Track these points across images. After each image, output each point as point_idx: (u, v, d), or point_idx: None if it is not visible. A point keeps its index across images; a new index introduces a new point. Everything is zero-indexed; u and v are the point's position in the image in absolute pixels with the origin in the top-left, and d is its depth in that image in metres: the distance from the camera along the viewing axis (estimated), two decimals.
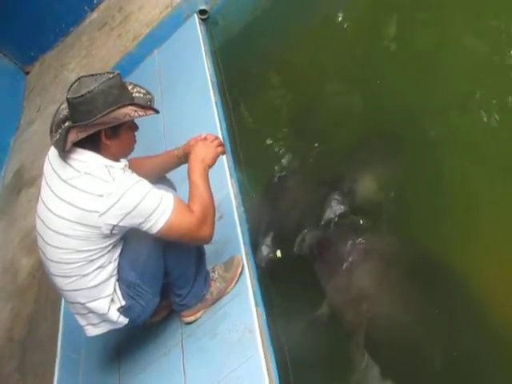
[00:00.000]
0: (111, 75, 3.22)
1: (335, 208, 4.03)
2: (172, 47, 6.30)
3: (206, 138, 3.64)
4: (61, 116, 3.32)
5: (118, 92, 3.20)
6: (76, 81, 3.26)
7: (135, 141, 3.47)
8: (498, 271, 3.33)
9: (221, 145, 3.67)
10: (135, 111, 3.23)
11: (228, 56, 5.90)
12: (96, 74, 3.24)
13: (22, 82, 8.16)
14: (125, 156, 3.43)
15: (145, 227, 3.26)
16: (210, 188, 3.50)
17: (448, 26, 4.54)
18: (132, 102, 3.24)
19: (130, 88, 3.37)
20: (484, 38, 4.27)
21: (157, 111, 3.36)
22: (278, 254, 4.13)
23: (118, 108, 3.17)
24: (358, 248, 3.73)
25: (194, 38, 6.02)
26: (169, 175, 3.94)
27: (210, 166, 3.58)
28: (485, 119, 3.86)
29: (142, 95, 3.38)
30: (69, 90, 3.24)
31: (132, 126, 3.40)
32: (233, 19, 6.24)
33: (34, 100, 7.71)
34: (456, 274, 3.44)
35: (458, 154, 3.88)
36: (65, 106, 3.31)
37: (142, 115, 3.28)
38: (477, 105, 3.96)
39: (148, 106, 3.30)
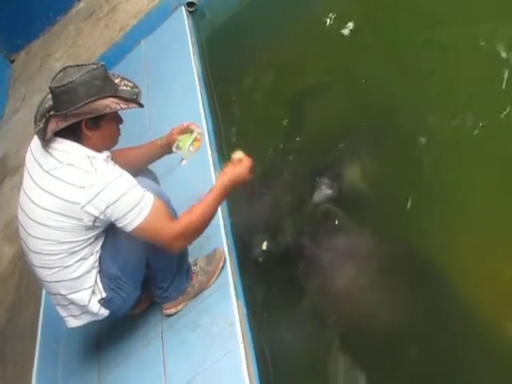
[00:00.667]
0: (95, 66, 3.21)
1: (319, 202, 4.04)
2: (159, 39, 6.30)
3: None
4: (46, 106, 3.31)
5: (101, 83, 3.19)
6: (61, 71, 3.25)
7: (119, 133, 3.45)
8: (482, 269, 3.33)
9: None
10: (117, 103, 3.22)
11: (214, 49, 5.90)
12: (81, 65, 3.23)
13: (7, 71, 8.12)
14: (107, 148, 3.40)
15: (120, 224, 3.25)
16: (215, 211, 3.47)
17: (438, 24, 4.55)
18: (114, 94, 3.22)
19: (117, 81, 3.35)
20: (476, 37, 4.29)
21: (141, 105, 3.35)
22: (264, 246, 4.13)
23: (99, 99, 3.16)
24: (341, 245, 3.74)
25: (181, 30, 6.02)
26: (154, 167, 3.95)
27: (234, 188, 3.56)
28: (473, 117, 3.87)
29: (129, 88, 3.36)
30: (53, 79, 3.23)
31: (115, 119, 3.38)
32: (220, 12, 6.25)
33: (19, 89, 7.67)
34: (440, 271, 3.44)
35: (445, 150, 3.89)
36: (50, 96, 3.29)
37: (124, 108, 3.26)
38: (466, 101, 3.96)
39: (131, 99, 3.28)
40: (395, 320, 3.33)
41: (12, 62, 8.22)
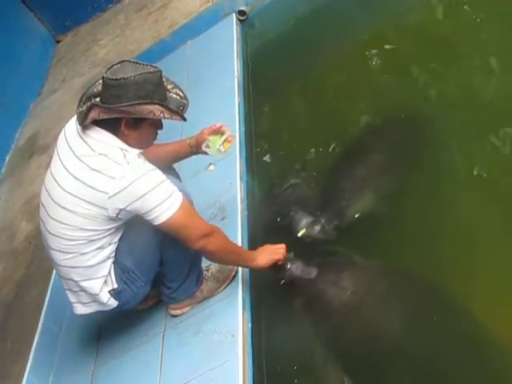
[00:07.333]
0: (152, 70, 3.21)
1: (329, 226, 4.03)
2: (206, 42, 6.32)
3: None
4: (94, 90, 3.31)
5: (152, 88, 3.19)
6: (119, 63, 3.26)
7: (155, 138, 3.48)
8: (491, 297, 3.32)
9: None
10: (161, 112, 3.23)
11: (258, 60, 5.92)
12: (140, 63, 3.24)
13: (51, 50, 8.19)
14: (139, 148, 3.38)
15: (149, 216, 3.27)
16: (233, 261, 3.70)
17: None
18: (161, 103, 3.23)
19: (170, 87, 3.36)
20: None
21: (184, 119, 3.34)
22: (303, 231, 4.16)
23: (145, 103, 3.18)
24: (349, 270, 3.74)
25: (229, 37, 6.04)
26: (180, 168, 3.97)
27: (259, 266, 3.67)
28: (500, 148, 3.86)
29: (178, 98, 3.36)
30: (109, 68, 3.25)
31: (156, 124, 3.39)
32: (269, 26, 6.28)
33: (61, 70, 7.74)
34: (446, 298, 3.44)
35: (464, 182, 3.89)
36: (101, 81, 3.29)
37: (167, 118, 3.27)
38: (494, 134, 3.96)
39: (176, 111, 3.28)
40: (394, 339, 3.32)
41: (58, 42, 8.29)
